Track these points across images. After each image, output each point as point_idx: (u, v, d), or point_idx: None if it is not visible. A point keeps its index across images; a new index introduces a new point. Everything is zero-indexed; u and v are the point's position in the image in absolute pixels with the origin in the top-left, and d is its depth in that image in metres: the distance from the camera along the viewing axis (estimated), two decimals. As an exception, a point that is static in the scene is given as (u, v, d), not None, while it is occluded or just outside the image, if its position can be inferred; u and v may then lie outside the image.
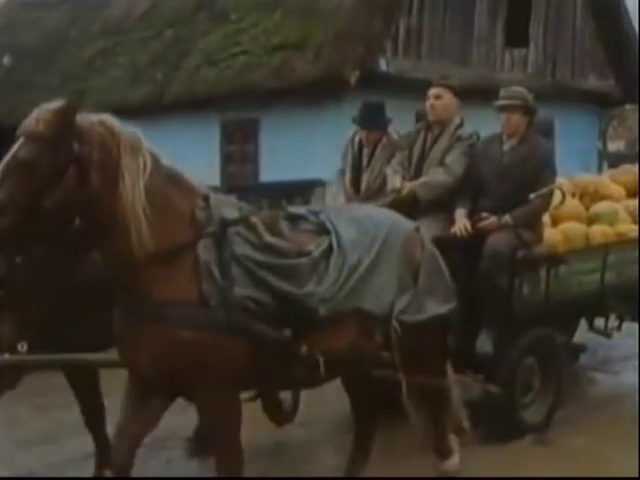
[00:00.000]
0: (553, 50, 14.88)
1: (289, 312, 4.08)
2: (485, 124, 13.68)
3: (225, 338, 3.92)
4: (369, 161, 6.53)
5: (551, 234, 6.33)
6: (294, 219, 4.45)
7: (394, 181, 6.00)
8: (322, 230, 4.40)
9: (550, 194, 5.92)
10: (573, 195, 6.91)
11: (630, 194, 7.32)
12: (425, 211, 5.75)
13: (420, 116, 12.91)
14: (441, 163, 5.92)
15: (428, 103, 5.99)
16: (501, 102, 5.93)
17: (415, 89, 12.34)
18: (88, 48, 16.82)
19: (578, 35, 15.26)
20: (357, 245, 4.40)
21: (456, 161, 5.88)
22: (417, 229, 4.80)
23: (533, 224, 5.90)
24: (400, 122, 12.46)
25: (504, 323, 5.73)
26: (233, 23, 14.17)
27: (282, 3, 13.53)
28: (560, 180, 6.80)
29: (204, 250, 3.95)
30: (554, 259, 6.01)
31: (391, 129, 6.53)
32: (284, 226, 4.31)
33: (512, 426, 5.93)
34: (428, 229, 5.18)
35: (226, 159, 14.03)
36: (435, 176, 5.89)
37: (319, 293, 4.15)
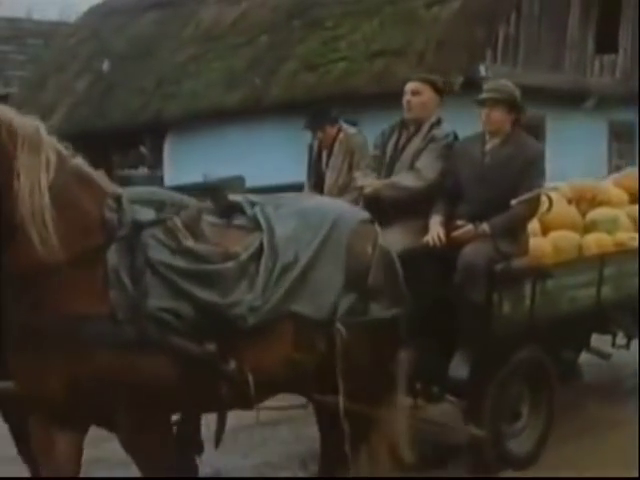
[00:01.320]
0: (640, 55, 15.44)
1: (213, 324, 3.70)
2: (576, 126, 14.38)
3: (141, 356, 3.52)
4: (327, 161, 6.51)
5: (538, 244, 5.71)
6: (229, 212, 4.12)
7: (359, 180, 5.69)
8: (256, 226, 4.05)
9: (536, 200, 5.34)
10: (570, 201, 6.39)
11: (634, 200, 6.75)
12: (395, 219, 5.25)
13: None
14: (412, 166, 5.46)
15: (404, 99, 5.53)
16: (482, 95, 5.38)
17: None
18: (180, 53, 17.57)
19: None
20: (295, 241, 4.05)
21: (428, 165, 5.40)
22: (370, 221, 4.46)
23: (514, 233, 5.29)
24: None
25: (481, 344, 5.12)
26: (329, 30, 14.86)
27: (379, 11, 14.20)
28: (557, 184, 6.51)
29: (114, 256, 3.55)
30: (540, 272, 5.39)
31: (345, 125, 6.52)
32: (207, 226, 3.92)
33: (497, 458, 5.36)
34: (398, 239, 4.91)
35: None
36: (403, 179, 5.44)
37: (246, 301, 3.78)
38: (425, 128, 5.47)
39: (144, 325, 3.52)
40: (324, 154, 6.60)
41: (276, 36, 15.81)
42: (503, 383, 5.34)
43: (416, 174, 5.39)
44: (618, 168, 15.32)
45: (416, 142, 5.48)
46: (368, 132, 13.93)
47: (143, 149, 18.42)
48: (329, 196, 5.98)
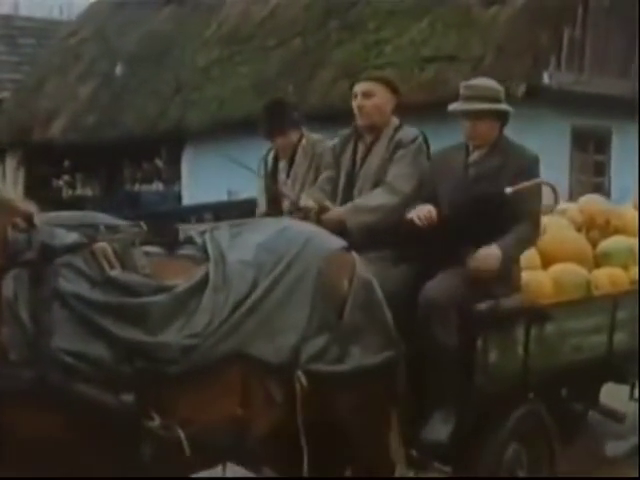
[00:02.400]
0: None
1: (136, 369, 3.43)
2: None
3: (38, 407, 3.28)
4: (288, 173, 6.02)
5: (536, 279, 5.22)
6: (177, 242, 3.94)
7: (308, 201, 5.21)
8: (206, 256, 3.86)
9: (536, 210, 4.94)
10: (579, 227, 6.01)
11: None
12: (366, 249, 4.65)
13: (575, 131, 14.21)
14: (377, 180, 5.11)
15: (354, 103, 5.22)
16: (464, 106, 4.94)
17: (575, 103, 13.63)
18: (201, 56, 18.15)
19: None
20: (254, 271, 3.83)
21: (400, 175, 5.04)
22: (346, 249, 4.22)
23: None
24: (557, 136, 13.75)
25: (463, 400, 4.66)
26: (371, 33, 15.35)
27: (428, 12, 14.70)
28: (565, 206, 6.34)
29: (10, 284, 3.34)
30: (536, 314, 4.92)
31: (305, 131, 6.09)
32: (142, 255, 3.72)
33: None
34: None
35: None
36: (372, 198, 5.06)
37: (178, 342, 3.50)
38: (389, 133, 5.17)
39: (43, 369, 3.26)
40: (282, 165, 6.13)
41: (311, 38, 16.36)
42: (497, 447, 4.86)
43: (388, 188, 5.03)
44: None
45: (379, 152, 5.14)
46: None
47: (158, 162, 18.88)
48: (289, 215, 5.44)
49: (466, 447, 4.75)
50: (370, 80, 5.30)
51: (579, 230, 5.99)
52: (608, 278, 5.61)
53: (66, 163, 20.70)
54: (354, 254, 4.22)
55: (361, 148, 5.23)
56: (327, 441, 4.15)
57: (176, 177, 18.30)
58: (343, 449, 4.28)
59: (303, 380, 3.75)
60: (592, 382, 5.88)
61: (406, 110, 14.40)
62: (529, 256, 5.28)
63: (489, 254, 4.58)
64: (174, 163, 18.32)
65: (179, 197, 18.00)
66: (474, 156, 4.98)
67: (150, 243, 3.85)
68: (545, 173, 14.73)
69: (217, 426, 3.58)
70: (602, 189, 13.40)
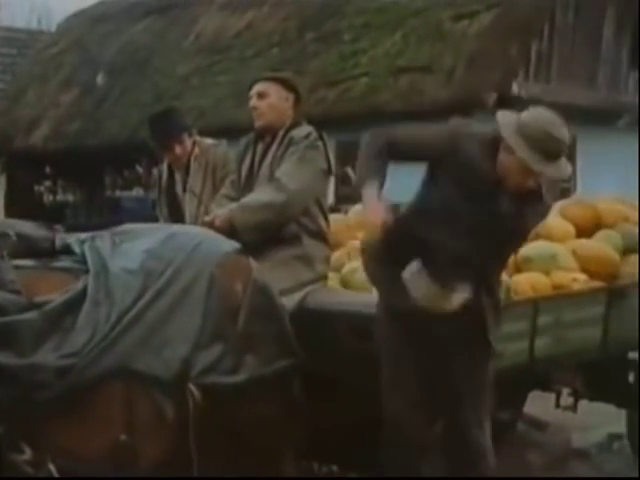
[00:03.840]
0: (675, 72, 16.42)
1: (4, 395, 3.12)
2: (608, 146, 15.17)
3: None
4: (184, 185, 5.71)
5: None
6: (49, 253, 3.67)
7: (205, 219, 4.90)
8: (85, 268, 3.58)
9: None
10: None
11: (582, 233, 5.92)
12: (262, 254, 4.54)
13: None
14: (272, 177, 4.90)
15: (250, 104, 5.09)
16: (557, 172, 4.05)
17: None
18: (181, 65, 18.27)
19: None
20: (139, 280, 3.55)
21: (288, 172, 4.79)
22: (239, 251, 3.99)
23: None
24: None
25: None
26: (347, 44, 15.60)
27: (402, 25, 14.94)
28: None
29: None
30: None
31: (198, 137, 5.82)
32: (10, 270, 3.40)
33: None
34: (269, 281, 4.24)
35: (341, 180, 15.45)
36: (258, 195, 4.83)
37: (52, 363, 3.18)
38: (281, 133, 4.95)
39: None
40: (177, 177, 5.80)
41: (288, 49, 16.56)
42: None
43: (275, 185, 4.79)
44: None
45: (273, 151, 4.95)
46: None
47: (139, 168, 19.03)
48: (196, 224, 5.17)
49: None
50: (265, 80, 5.13)
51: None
52: (529, 283, 5.31)
53: (48, 170, 20.77)
54: (250, 258, 3.95)
55: (260, 150, 5.02)
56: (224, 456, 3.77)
57: (156, 183, 18.39)
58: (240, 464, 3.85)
59: (196, 394, 3.47)
60: (516, 390, 5.58)
61: (382, 118, 14.77)
62: None
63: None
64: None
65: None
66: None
67: (24, 255, 3.54)
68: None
69: (101, 453, 3.26)
70: (568, 194, 13.73)
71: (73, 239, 3.77)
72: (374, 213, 3.82)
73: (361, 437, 4.44)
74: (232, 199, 5.03)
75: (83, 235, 3.84)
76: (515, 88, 13.83)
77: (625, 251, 5.87)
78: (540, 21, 14.38)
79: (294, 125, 5.01)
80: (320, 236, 4.93)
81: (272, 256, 4.65)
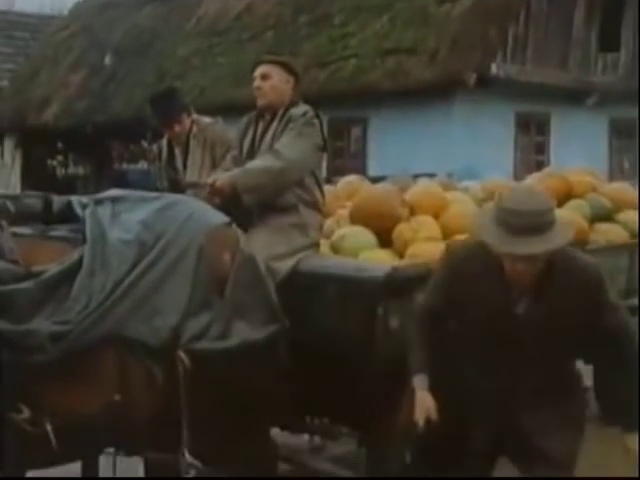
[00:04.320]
0: (641, 53, 16.43)
1: (1, 360, 3.06)
2: (578, 122, 15.19)
3: None
4: (184, 160, 5.72)
5: (435, 249, 4.72)
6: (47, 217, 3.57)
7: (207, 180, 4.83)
8: (83, 237, 3.45)
9: None
10: (479, 203, 5.75)
11: (557, 202, 5.93)
12: (260, 219, 4.63)
13: (519, 115, 14.59)
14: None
15: (254, 85, 4.97)
16: (516, 248, 3.24)
17: (518, 91, 14.01)
18: (182, 47, 18.21)
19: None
20: (133, 250, 3.46)
21: (287, 144, 4.80)
22: (228, 224, 3.88)
23: None
24: (503, 120, 14.13)
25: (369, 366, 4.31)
26: (338, 27, 15.56)
27: (389, 9, 14.91)
28: (469, 184, 6.19)
29: None
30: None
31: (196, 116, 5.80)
32: (9, 238, 3.30)
33: None
34: (265, 245, 4.34)
35: (333, 154, 15.43)
36: (259, 162, 4.81)
37: (46, 329, 3.10)
38: (280, 112, 4.91)
39: None
40: (177, 152, 5.79)
41: (282, 32, 16.50)
42: (409, 408, 4.62)
43: (274, 154, 4.77)
44: (619, 164, 16.36)
45: (273, 128, 4.91)
46: (381, 129, 14.91)
47: (144, 143, 18.98)
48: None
49: (376, 412, 4.50)
50: (268, 63, 5.00)
51: (480, 205, 5.66)
52: None
53: (59, 145, 20.66)
54: (237, 229, 3.87)
55: (261, 127, 4.97)
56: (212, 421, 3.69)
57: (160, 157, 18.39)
58: (230, 427, 3.80)
59: (185, 360, 3.39)
60: None
61: (370, 97, 14.73)
62: (431, 229, 5.11)
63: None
64: (158, 144, 18.39)
65: (162, 175, 18.11)
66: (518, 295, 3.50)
67: (22, 221, 3.47)
68: (493, 152, 15.10)
69: (94, 414, 3.21)
70: (542, 166, 13.75)
71: (75, 200, 3.68)
72: (423, 404, 3.61)
73: (350, 390, 4.42)
74: (229, 171, 4.93)
75: (85, 199, 3.73)
76: (494, 69, 13.89)
77: (593, 219, 5.89)
78: (517, 7, 14.39)
79: (292, 104, 4.95)
80: (315, 206, 4.91)
81: (271, 223, 4.65)
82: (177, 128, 5.68)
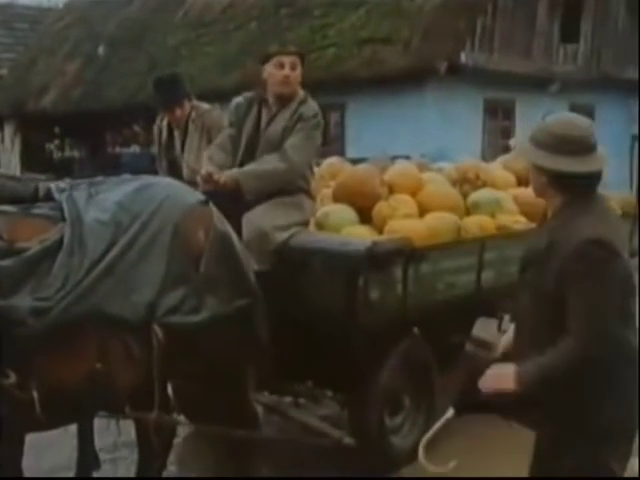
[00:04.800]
0: (599, 44, 16.39)
1: None
2: (541, 108, 15.18)
3: None
4: (183, 143, 5.62)
5: (412, 226, 4.93)
6: (36, 199, 3.49)
7: (205, 167, 4.69)
8: (62, 215, 3.38)
9: None
10: (453, 183, 5.74)
11: (522, 182, 5.94)
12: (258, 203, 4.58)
13: (487, 101, 14.50)
14: (279, 146, 4.71)
15: (281, 73, 4.70)
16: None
17: (486, 78, 13.91)
18: (172, 38, 17.99)
19: (620, 31, 16.74)
20: (112, 230, 3.38)
21: (296, 145, 4.67)
22: (203, 202, 3.75)
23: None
24: (472, 105, 14.05)
25: (350, 334, 4.39)
26: (317, 19, 15.39)
27: (365, 2, 14.75)
28: (442, 165, 6.17)
29: None
30: (412, 255, 4.56)
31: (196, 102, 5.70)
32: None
33: (381, 456, 4.80)
34: (265, 218, 4.45)
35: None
36: (265, 163, 4.66)
37: (27, 305, 3.07)
38: (293, 105, 4.72)
39: None
40: (176, 135, 5.70)
41: (265, 23, 16.30)
42: (386, 376, 4.70)
43: (281, 155, 4.66)
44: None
45: (282, 121, 4.72)
46: (358, 115, 14.79)
47: (136, 128, 18.81)
48: (191, 178, 5.01)
49: (358, 377, 4.62)
50: (295, 54, 4.79)
51: (454, 185, 5.70)
52: (477, 225, 5.33)
53: (56, 130, 20.43)
54: (212, 207, 3.75)
55: (265, 114, 4.78)
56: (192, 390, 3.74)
57: (151, 141, 18.24)
58: (208, 396, 3.83)
59: (160, 333, 3.34)
60: (466, 316, 5.66)
61: (348, 84, 14.62)
62: (408, 207, 5.11)
63: (503, 375, 2.90)
64: (149, 129, 18.22)
65: (153, 158, 17.93)
66: None
67: (8, 201, 3.39)
68: (463, 136, 15.06)
69: (77, 380, 3.19)
70: (509, 149, 13.72)
71: (54, 186, 3.59)
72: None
73: (333, 356, 4.45)
74: (226, 151, 4.84)
75: (62, 184, 3.64)
76: (463, 58, 13.78)
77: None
78: (484, 0, 14.28)
79: (304, 100, 4.79)
80: (310, 193, 4.90)
81: (272, 200, 4.62)
82: (178, 112, 5.59)
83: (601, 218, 2.84)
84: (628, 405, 2.87)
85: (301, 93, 4.79)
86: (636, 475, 4.05)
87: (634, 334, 2.91)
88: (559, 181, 2.85)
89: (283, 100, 4.74)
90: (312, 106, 4.79)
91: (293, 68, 4.72)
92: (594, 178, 2.88)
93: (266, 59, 4.80)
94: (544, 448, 2.98)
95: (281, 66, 4.70)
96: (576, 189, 2.85)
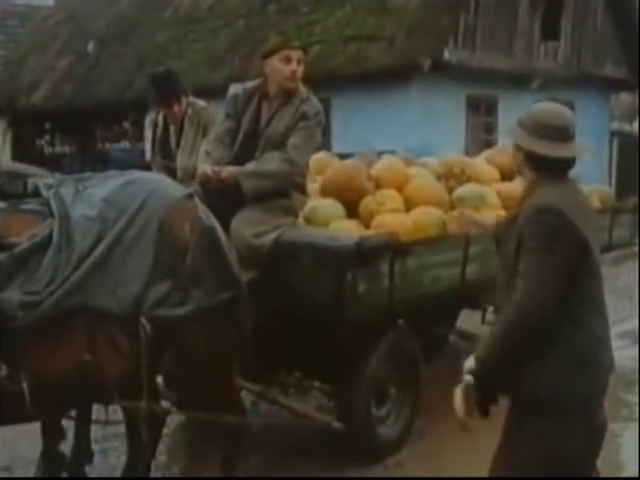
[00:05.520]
0: (579, 42, 16.37)
1: None
2: (523, 104, 15.12)
3: None
4: (178, 139, 5.54)
5: (398, 220, 4.95)
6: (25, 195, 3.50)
7: (204, 166, 4.57)
8: (51, 211, 3.37)
9: None
10: (439, 178, 5.74)
11: (505, 177, 6.07)
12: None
13: (470, 98, 14.47)
14: (279, 144, 4.60)
15: (289, 68, 4.55)
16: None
17: (469, 75, 13.87)
18: (160, 35, 17.85)
19: (599, 29, 16.73)
20: (99, 225, 3.37)
21: (299, 146, 4.57)
22: (189, 196, 3.72)
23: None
24: (455, 102, 14.01)
25: (339, 327, 4.42)
26: (303, 16, 15.31)
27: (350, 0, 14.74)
28: (427, 159, 6.17)
29: None
30: (398, 250, 4.55)
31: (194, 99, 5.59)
32: None
33: (368, 446, 4.84)
34: (252, 224, 4.40)
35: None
36: (267, 164, 4.55)
37: (16, 299, 3.08)
38: (295, 102, 4.60)
39: None
40: (172, 130, 5.61)
41: (252, 20, 16.20)
42: (373, 366, 4.73)
43: (284, 156, 4.55)
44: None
45: (285, 118, 4.61)
46: (344, 110, 14.73)
47: (126, 124, 18.71)
48: (185, 175, 5.08)
49: (346, 368, 4.65)
50: (301, 50, 4.67)
51: (439, 179, 5.72)
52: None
53: (47, 125, 20.34)
54: (197, 201, 3.72)
55: (266, 108, 4.66)
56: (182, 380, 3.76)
57: (140, 137, 18.20)
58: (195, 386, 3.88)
59: (147, 326, 3.35)
60: (451, 308, 5.70)
61: (333, 81, 14.55)
62: (395, 201, 5.10)
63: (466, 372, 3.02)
64: (139, 125, 18.18)
65: (143, 153, 17.92)
66: None
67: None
68: (446, 131, 15.04)
69: (66, 372, 3.20)
70: (491, 145, 13.71)
71: (41, 183, 3.57)
72: None
73: (322, 348, 4.49)
74: (225, 146, 4.73)
75: (50, 180, 3.63)
76: (446, 55, 13.71)
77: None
78: (467, -1, 14.24)
79: (308, 98, 4.67)
80: (303, 189, 4.85)
81: (263, 204, 4.56)
82: (176, 108, 5.50)
83: (563, 193, 2.96)
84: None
85: (303, 90, 4.67)
86: (636, 475, 4.21)
87: (601, 322, 2.96)
88: (532, 160, 3.04)
89: (286, 95, 4.62)
90: (315, 104, 4.67)
91: (300, 63, 4.61)
92: (566, 163, 3.05)
93: (270, 53, 4.63)
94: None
95: (288, 60, 4.56)
96: (547, 170, 3.02)
